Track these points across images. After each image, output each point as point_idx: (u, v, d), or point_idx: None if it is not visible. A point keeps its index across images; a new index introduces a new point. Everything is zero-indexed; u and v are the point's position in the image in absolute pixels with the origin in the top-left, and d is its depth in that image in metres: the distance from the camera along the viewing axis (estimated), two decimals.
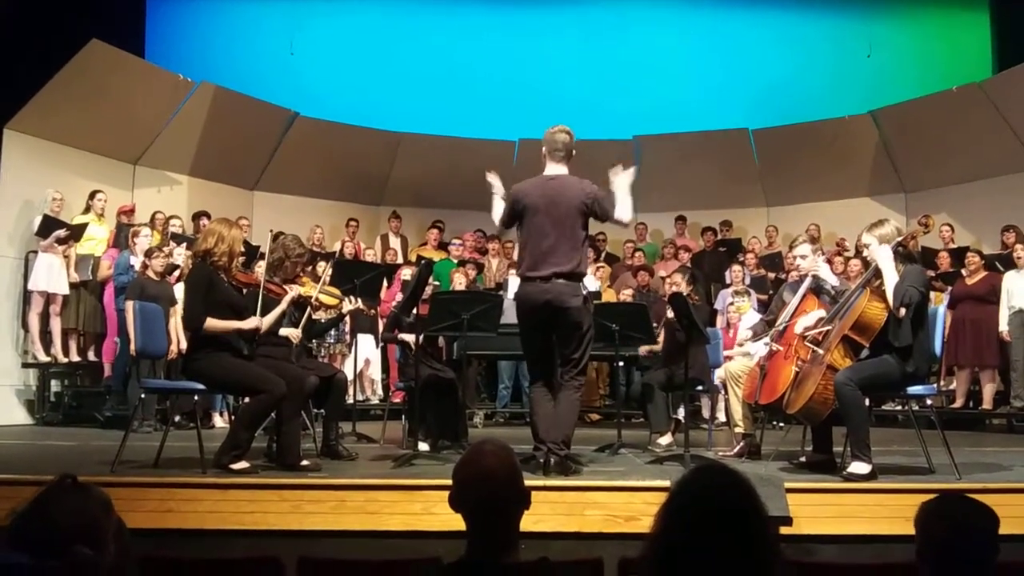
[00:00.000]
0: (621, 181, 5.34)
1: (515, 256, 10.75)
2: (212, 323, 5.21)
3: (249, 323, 5.36)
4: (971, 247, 10.03)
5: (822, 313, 5.58)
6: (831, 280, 6.08)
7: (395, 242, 12.18)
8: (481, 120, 13.04)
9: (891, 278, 5.04)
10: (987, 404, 9.25)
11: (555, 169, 5.38)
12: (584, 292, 5.35)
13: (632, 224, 5.42)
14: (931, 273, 9.26)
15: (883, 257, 5.12)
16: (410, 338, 6.97)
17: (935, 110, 11.50)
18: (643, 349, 7.62)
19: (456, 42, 13.78)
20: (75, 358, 9.55)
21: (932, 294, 8.28)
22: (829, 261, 7.94)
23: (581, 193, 5.26)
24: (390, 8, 13.93)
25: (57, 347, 9.34)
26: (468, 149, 12.54)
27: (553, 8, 14.00)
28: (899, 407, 8.83)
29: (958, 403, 9.43)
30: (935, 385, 8.53)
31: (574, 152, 5.41)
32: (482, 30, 13.90)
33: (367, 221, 12.79)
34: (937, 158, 11.73)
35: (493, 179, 5.70)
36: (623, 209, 5.29)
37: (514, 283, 7.69)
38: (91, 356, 9.69)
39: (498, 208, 5.59)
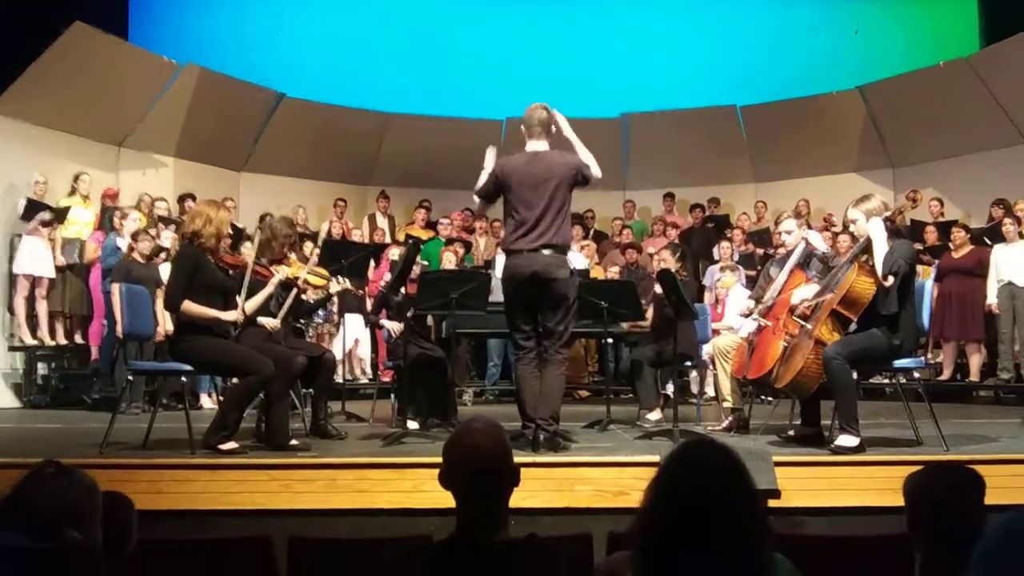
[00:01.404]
0: (566, 129, 5.50)
1: (503, 234, 10.75)
2: (190, 307, 5.17)
3: (229, 315, 5.32)
4: (959, 221, 10.06)
5: (817, 287, 5.58)
6: (821, 247, 6.10)
7: (383, 222, 12.14)
8: (469, 99, 12.99)
9: (882, 248, 5.05)
10: (974, 376, 9.30)
11: (537, 145, 5.40)
12: (571, 266, 5.37)
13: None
14: (919, 247, 9.29)
15: (875, 229, 5.13)
16: (394, 325, 6.96)
17: (923, 85, 11.49)
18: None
19: (443, 21, 13.71)
20: (62, 341, 9.51)
21: (920, 268, 8.32)
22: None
23: (568, 166, 5.30)
24: None
25: (44, 330, 9.30)
26: (456, 128, 12.50)
27: None
28: (887, 380, 8.87)
29: (945, 375, 9.48)
30: (922, 358, 8.56)
31: (554, 128, 5.42)
32: (469, 9, 13.84)
33: (355, 201, 12.75)
34: (925, 133, 11.74)
35: (490, 154, 5.69)
36: (592, 165, 5.38)
37: (501, 261, 7.68)
38: (78, 339, 9.65)
39: (483, 181, 5.59)
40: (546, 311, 5.30)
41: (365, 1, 13.77)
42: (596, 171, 5.39)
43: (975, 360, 9.30)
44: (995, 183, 10.43)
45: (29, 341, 9.22)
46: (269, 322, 5.90)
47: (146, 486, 4.48)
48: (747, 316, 6.39)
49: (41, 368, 9.44)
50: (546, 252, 5.22)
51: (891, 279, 5.00)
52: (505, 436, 2.34)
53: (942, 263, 9.45)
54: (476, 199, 5.70)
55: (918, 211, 9.16)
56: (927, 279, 6.76)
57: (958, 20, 13.38)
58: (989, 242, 9.33)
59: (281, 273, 5.81)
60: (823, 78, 12.65)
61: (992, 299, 9.03)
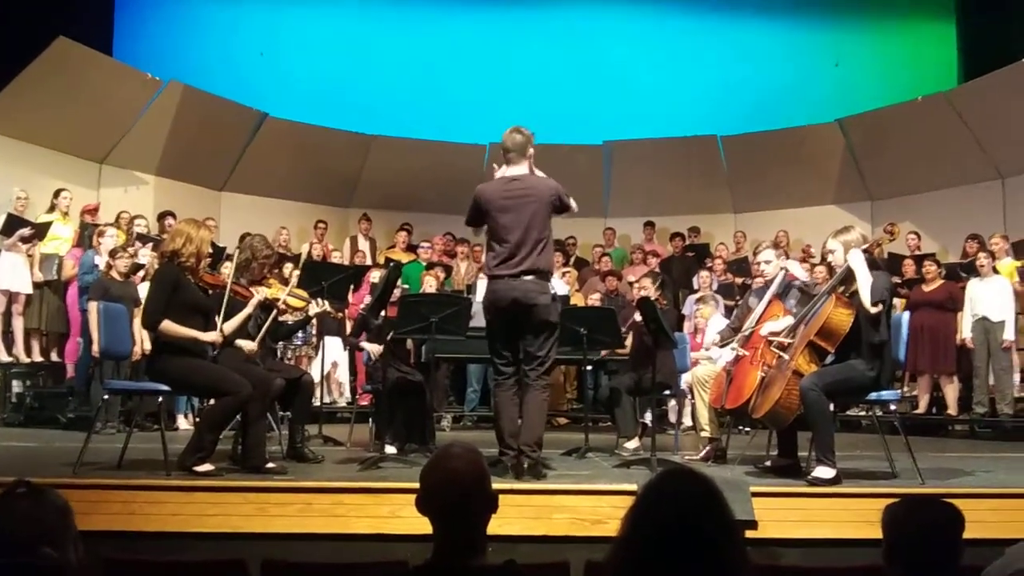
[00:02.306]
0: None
1: (483, 259, 10.76)
2: (169, 326, 5.13)
3: (209, 336, 5.29)
4: (936, 255, 10.15)
5: (791, 320, 5.61)
6: (801, 276, 6.14)
7: (364, 244, 12.13)
8: (452, 123, 13.04)
9: (866, 278, 5.08)
10: (951, 410, 9.34)
11: (516, 169, 5.38)
12: (552, 291, 5.35)
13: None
14: (896, 280, 9.35)
15: (856, 260, 5.16)
16: (373, 348, 6.95)
17: (901, 119, 11.64)
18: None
19: (428, 45, 13.79)
20: (37, 358, 9.42)
21: (896, 301, 8.38)
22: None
23: (547, 190, 5.29)
24: (362, 10, 13.91)
25: (19, 347, 9.21)
26: (439, 152, 12.55)
27: (525, 13, 14.04)
28: (863, 412, 8.91)
29: (921, 409, 9.53)
30: (899, 391, 8.61)
31: (531, 151, 5.40)
32: (454, 34, 13.91)
33: (336, 223, 12.74)
34: (903, 166, 11.87)
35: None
36: (572, 202, 5.46)
37: (483, 286, 7.68)
38: (54, 356, 9.56)
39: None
40: (528, 336, 5.27)
41: (350, 22, 13.82)
42: (573, 203, 5.44)
43: (950, 393, 9.35)
44: (972, 217, 10.56)
45: (4, 358, 9.12)
46: (247, 345, 5.87)
47: (120, 507, 4.44)
48: (719, 345, 6.43)
49: (16, 386, 9.33)
50: (527, 279, 5.19)
51: (880, 306, 5.03)
52: (483, 461, 2.34)
53: (913, 296, 9.51)
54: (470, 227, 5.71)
55: (896, 244, 9.25)
56: (903, 312, 6.79)
57: (937, 56, 13.58)
58: (965, 276, 9.41)
59: (261, 294, 5.79)
60: (803, 110, 12.79)
61: (967, 333, 9.10)
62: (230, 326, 5.45)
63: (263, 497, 4.55)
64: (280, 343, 7.63)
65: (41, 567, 2.15)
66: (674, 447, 7.23)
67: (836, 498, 4.70)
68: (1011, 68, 10.44)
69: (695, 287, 10.75)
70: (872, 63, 13.72)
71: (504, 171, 5.43)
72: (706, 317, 8.49)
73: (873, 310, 5.03)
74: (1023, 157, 10.80)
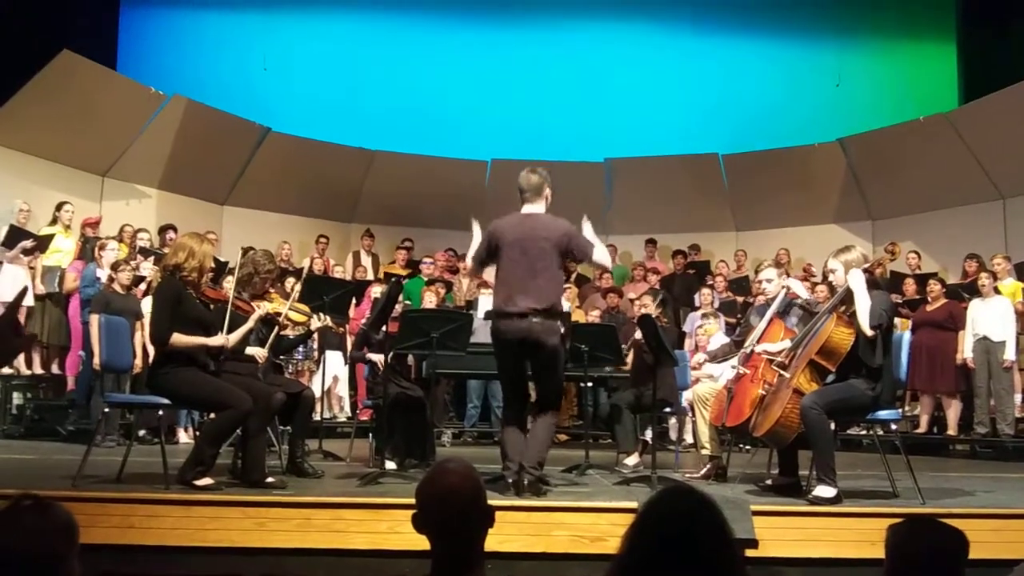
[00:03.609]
0: (587, 231, 5.50)
1: (486, 277, 10.77)
2: (178, 338, 5.14)
3: (215, 340, 5.30)
4: (938, 274, 10.15)
5: (788, 343, 5.61)
6: (803, 294, 6.14)
7: (367, 260, 12.14)
8: (455, 139, 13.08)
9: (864, 301, 5.08)
10: (952, 430, 9.33)
11: (531, 208, 5.39)
12: (561, 330, 5.32)
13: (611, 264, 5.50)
14: (898, 299, 9.35)
15: (856, 280, 5.16)
16: (378, 358, 6.96)
17: (902, 139, 11.67)
18: None
19: (431, 61, 13.84)
20: (38, 371, 9.42)
21: (897, 320, 8.37)
22: None
23: (556, 231, 5.27)
24: (365, 26, 13.97)
25: (20, 359, 9.20)
26: (441, 168, 12.56)
27: (528, 31, 14.09)
28: (864, 431, 8.90)
29: (922, 428, 9.51)
30: (900, 410, 8.60)
31: (548, 191, 5.42)
32: (457, 50, 13.97)
33: (337, 238, 12.76)
34: (904, 186, 11.89)
35: (476, 225, 5.72)
36: (601, 254, 5.45)
37: (484, 302, 7.67)
38: (55, 369, 9.56)
39: (475, 248, 5.62)
40: (536, 375, 5.34)
41: (352, 38, 13.88)
42: (603, 258, 5.49)
43: (951, 413, 9.33)
44: (972, 237, 10.57)
45: (5, 370, 9.12)
46: (258, 352, 5.88)
47: (119, 520, 4.43)
48: (713, 362, 6.43)
49: (16, 398, 9.33)
50: (534, 320, 5.15)
51: (876, 330, 5.03)
52: (478, 477, 2.33)
53: (914, 316, 9.51)
54: (470, 263, 5.70)
55: (896, 264, 9.26)
56: (904, 331, 6.79)
57: (938, 76, 13.62)
58: (968, 296, 9.40)
59: (262, 308, 5.80)
60: (804, 130, 12.82)
61: (968, 353, 9.09)
62: (232, 340, 5.45)
63: (262, 512, 4.53)
64: (281, 357, 7.62)
65: None
66: (674, 465, 7.23)
67: (837, 517, 4.69)
68: (1012, 89, 10.47)
69: (696, 304, 10.75)
70: (873, 83, 13.76)
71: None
72: (710, 334, 8.48)
73: (870, 333, 5.03)
74: None
